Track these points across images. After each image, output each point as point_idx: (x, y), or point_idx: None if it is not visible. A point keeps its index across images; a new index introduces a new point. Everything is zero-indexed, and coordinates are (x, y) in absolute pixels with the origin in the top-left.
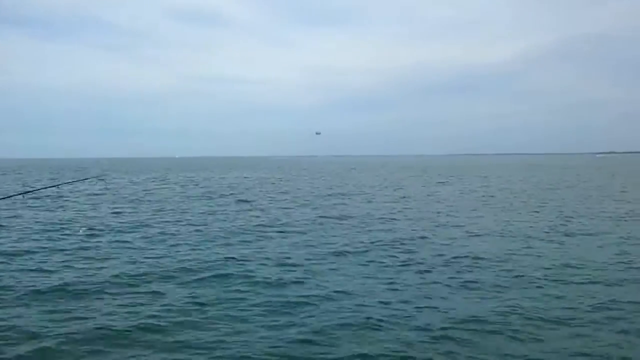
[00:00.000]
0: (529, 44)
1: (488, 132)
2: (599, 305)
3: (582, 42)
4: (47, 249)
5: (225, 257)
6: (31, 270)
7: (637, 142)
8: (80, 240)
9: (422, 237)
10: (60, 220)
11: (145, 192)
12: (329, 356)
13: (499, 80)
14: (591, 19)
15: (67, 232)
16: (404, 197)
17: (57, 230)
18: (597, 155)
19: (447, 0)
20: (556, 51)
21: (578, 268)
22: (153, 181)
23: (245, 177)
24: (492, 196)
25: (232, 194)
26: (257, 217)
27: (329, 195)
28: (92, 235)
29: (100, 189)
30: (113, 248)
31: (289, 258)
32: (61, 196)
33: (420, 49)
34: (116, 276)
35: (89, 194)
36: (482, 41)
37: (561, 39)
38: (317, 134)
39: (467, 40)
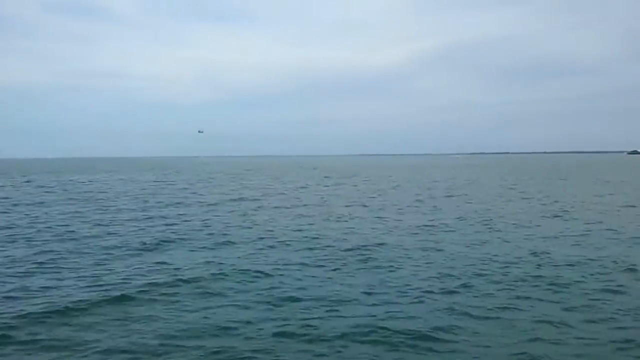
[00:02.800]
0: (415, 48)
1: (376, 133)
2: None
3: (464, 48)
4: None
5: None
6: None
7: (506, 143)
8: None
9: None
10: None
11: None
12: None
13: (387, 82)
14: (472, 27)
15: None
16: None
17: None
18: (455, 156)
19: (338, 3)
20: (440, 56)
21: None
22: None
23: None
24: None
25: None
26: None
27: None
28: None
29: None
30: None
31: None
32: None
33: (311, 49)
34: None
35: None
36: (371, 44)
37: (445, 44)
38: (199, 132)
39: (356, 43)
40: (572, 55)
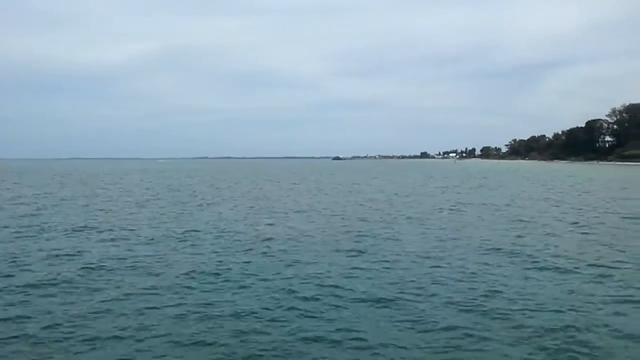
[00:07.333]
0: (134, 50)
1: (86, 136)
2: None
3: (183, 52)
4: None
5: None
6: None
7: (229, 148)
8: None
9: None
10: None
11: None
12: None
13: (100, 82)
14: (197, 33)
15: None
16: None
17: None
18: (160, 161)
19: None
20: (159, 59)
21: None
22: None
23: None
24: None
25: None
26: None
27: None
28: None
29: None
30: None
31: None
32: None
33: (13, 40)
34: None
35: None
36: (84, 40)
37: (165, 48)
38: None
39: (66, 38)
40: (292, 68)
